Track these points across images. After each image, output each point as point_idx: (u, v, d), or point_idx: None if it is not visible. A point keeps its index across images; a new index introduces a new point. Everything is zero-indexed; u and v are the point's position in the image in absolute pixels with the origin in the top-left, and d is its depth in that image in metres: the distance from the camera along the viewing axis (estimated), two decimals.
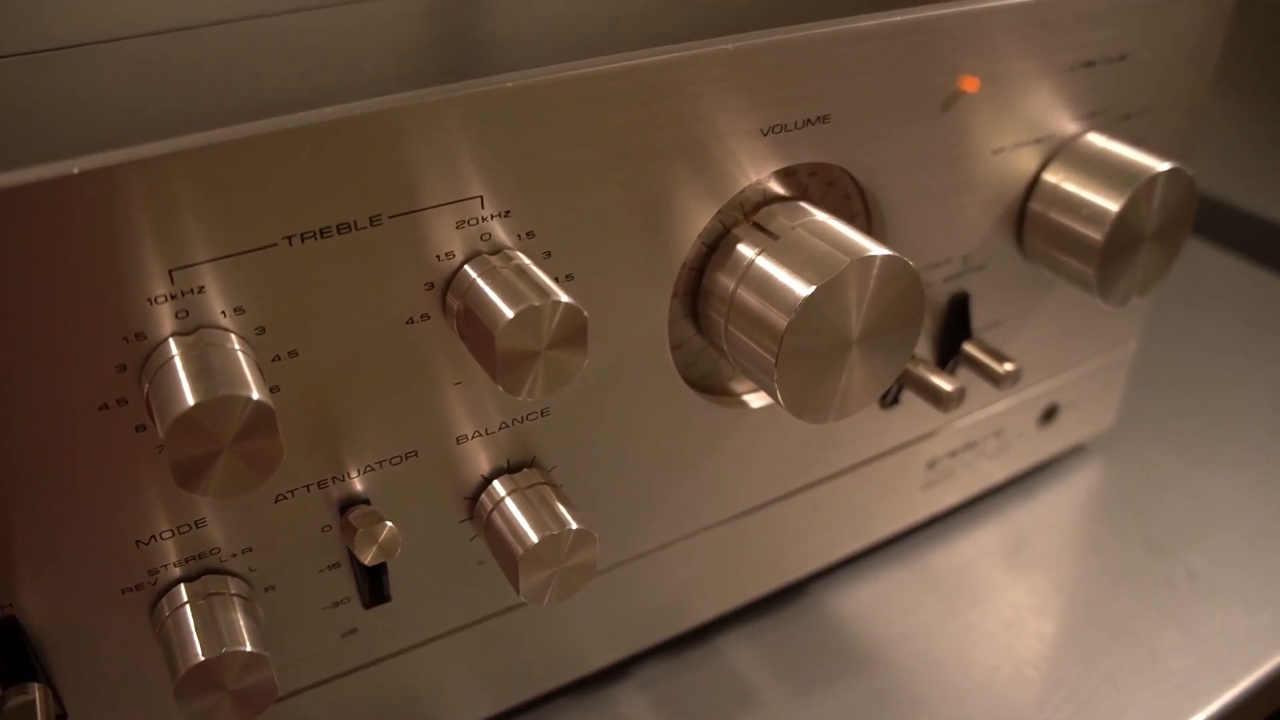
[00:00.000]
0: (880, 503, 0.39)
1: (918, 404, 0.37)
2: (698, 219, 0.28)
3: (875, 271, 0.28)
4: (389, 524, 0.25)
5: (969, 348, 0.35)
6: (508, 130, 0.24)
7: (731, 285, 0.29)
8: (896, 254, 0.28)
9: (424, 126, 0.23)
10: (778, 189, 0.30)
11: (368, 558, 0.25)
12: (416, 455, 0.27)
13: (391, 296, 0.24)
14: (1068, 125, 0.35)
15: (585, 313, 0.24)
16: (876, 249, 0.27)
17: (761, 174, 0.29)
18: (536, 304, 0.23)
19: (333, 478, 0.26)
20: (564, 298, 0.23)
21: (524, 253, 0.26)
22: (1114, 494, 0.44)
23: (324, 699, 0.29)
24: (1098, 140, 0.35)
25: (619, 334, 0.29)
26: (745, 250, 0.29)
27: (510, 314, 0.23)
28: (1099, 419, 0.45)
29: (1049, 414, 0.43)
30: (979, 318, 0.37)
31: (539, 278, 0.24)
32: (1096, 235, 0.33)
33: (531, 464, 0.29)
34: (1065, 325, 0.40)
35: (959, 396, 0.33)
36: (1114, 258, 0.34)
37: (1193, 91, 0.38)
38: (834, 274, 0.27)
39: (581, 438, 0.30)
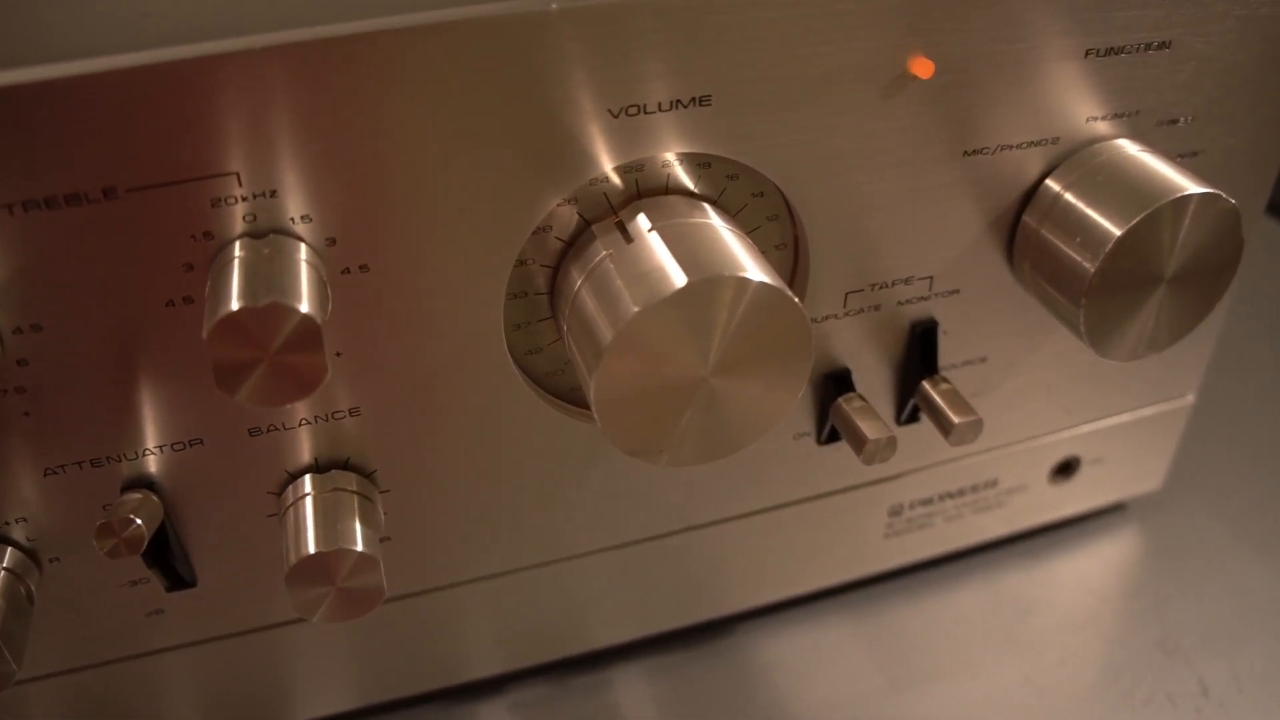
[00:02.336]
0: (830, 547, 0.34)
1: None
2: (531, 211, 0.24)
3: (734, 296, 0.23)
4: (136, 520, 0.23)
5: (928, 387, 0.30)
6: (266, 97, 0.21)
7: (576, 286, 0.25)
8: (770, 281, 0.23)
9: (163, 90, 0.20)
10: (686, 183, 0.26)
11: (104, 548, 0.23)
12: (202, 443, 0.25)
13: (144, 278, 0.22)
14: (1080, 126, 0.28)
15: (318, 319, 0.21)
16: (743, 270, 0.23)
17: (615, 162, 0.24)
18: (254, 305, 0.20)
19: (107, 457, 0.24)
20: (291, 301, 0.20)
21: (306, 238, 0.22)
22: (1141, 572, 0.37)
23: (130, 674, 0.28)
24: (1125, 147, 0.28)
25: (439, 334, 0.25)
26: (595, 250, 0.25)
27: (224, 312, 0.20)
28: (1141, 479, 0.38)
29: (1065, 468, 0.36)
30: (956, 353, 0.31)
31: (286, 272, 0.21)
32: (1088, 265, 0.26)
33: (346, 466, 0.27)
34: (1084, 370, 0.33)
35: (883, 447, 0.28)
36: (1113, 298, 0.27)
37: (1269, 98, 0.30)
38: (663, 296, 0.22)
39: (407, 443, 0.27)
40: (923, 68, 0.25)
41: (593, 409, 0.23)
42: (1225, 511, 0.39)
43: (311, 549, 0.25)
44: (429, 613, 0.30)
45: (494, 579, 0.30)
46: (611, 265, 0.24)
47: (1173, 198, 0.26)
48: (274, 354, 0.20)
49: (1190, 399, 0.36)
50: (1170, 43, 0.27)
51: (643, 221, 0.24)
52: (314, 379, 0.22)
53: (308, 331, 0.21)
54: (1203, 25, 0.27)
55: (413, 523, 0.28)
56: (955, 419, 0.28)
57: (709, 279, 0.22)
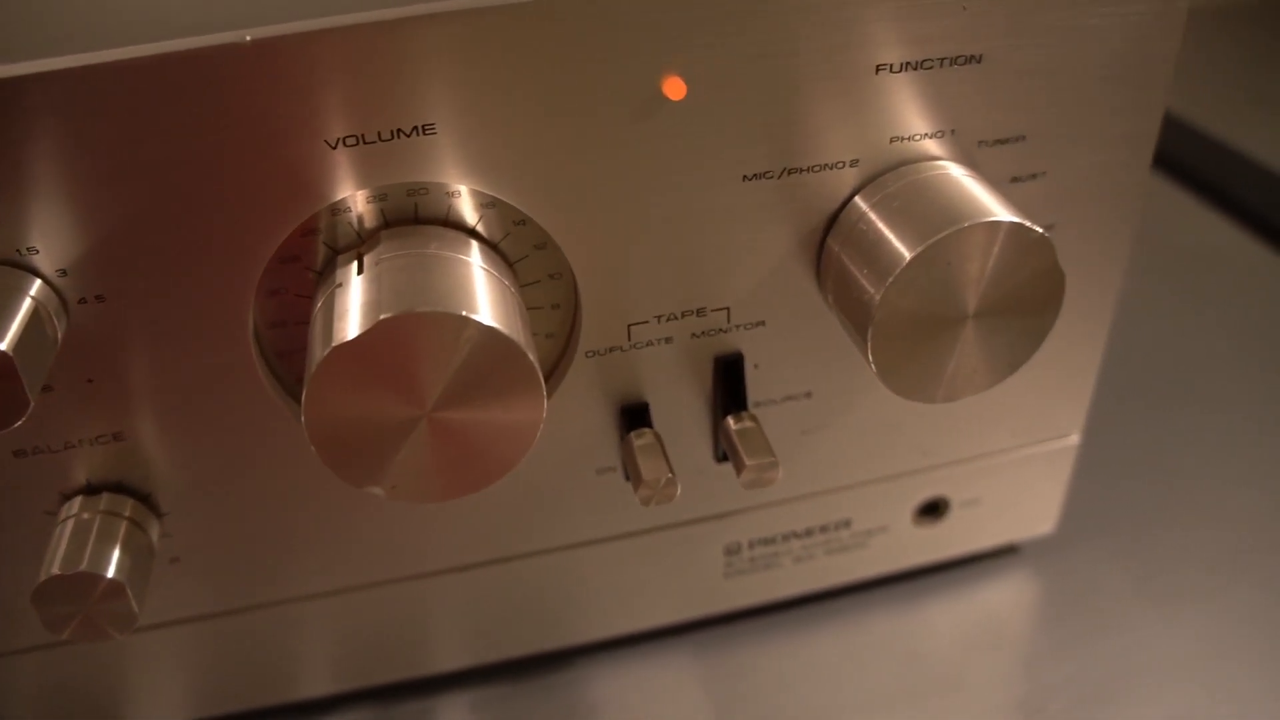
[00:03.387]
0: (666, 584, 0.32)
1: (698, 480, 0.30)
2: (263, 243, 0.23)
3: (452, 334, 0.22)
4: None
5: (730, 424, 0.28)
6: None
7: (311, 320, 0.24)
8: (479, 318, 0.21)
9: None
10: (470, 221, 0.25)
11: None
12: None
13: None
14: (883, 147, 0.25)
15: (10, 353, 0.20)
16: (462, 308, 0.21)
17: (343, 194, 0.23)
18: None
19: None
20: None
21: (36, 268, 0.22)
22: (1020, 621, 0.34)
23: None
24: (936, 169, 0.26)
25: (188, 363, 0.25)
26: (331, 282, 0.24)
27: None
28: (1029, 523, 0.35)
29: (932, 509, 0.33)
30: (772, 388, 0.29)
31: None
32: (874, 293, 0.24)
33: (119, 489, 0.27)
34: (939, 409, 0.30)
35: (661, 488, 0.26)
36: (905, 333, 0.24)
37: (1118, 114, 0.27)
38: (358, 332, 0.21)
39: (177, 466, 0.26)
40: (674, 89, 0.23)
41: (309, 438, 0.22)
42: (1132, 560, 0.35)
43: (56, 570, 0.25)
44: (237, 633, 0.30)
45: (296, 602, 0.30)
46: (335, 300, 0.23)
47: (964, 225, 0.24)
48: None
49: (1074, 439, 0.33)
50: (981, 56, 0.25)
51: (375, 255, 0.24)
52: (16, 410, 0.21)
53: (3, 365, 0.21)
54: (1017, 37, 0.25)
55: (203, 544, 0.28)
56: (746, 460, 0.26)
57: (418, 314, 0.21)
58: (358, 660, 0.32)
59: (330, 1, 0.22)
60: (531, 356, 0.22)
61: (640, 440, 0.27)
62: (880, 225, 0.25)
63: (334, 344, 0.21)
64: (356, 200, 0.24)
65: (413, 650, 0.32)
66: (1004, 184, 0.27)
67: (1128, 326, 0.47)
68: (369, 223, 0.24)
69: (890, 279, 0.24)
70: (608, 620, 0.33)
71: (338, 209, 0.24)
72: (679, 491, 0.26)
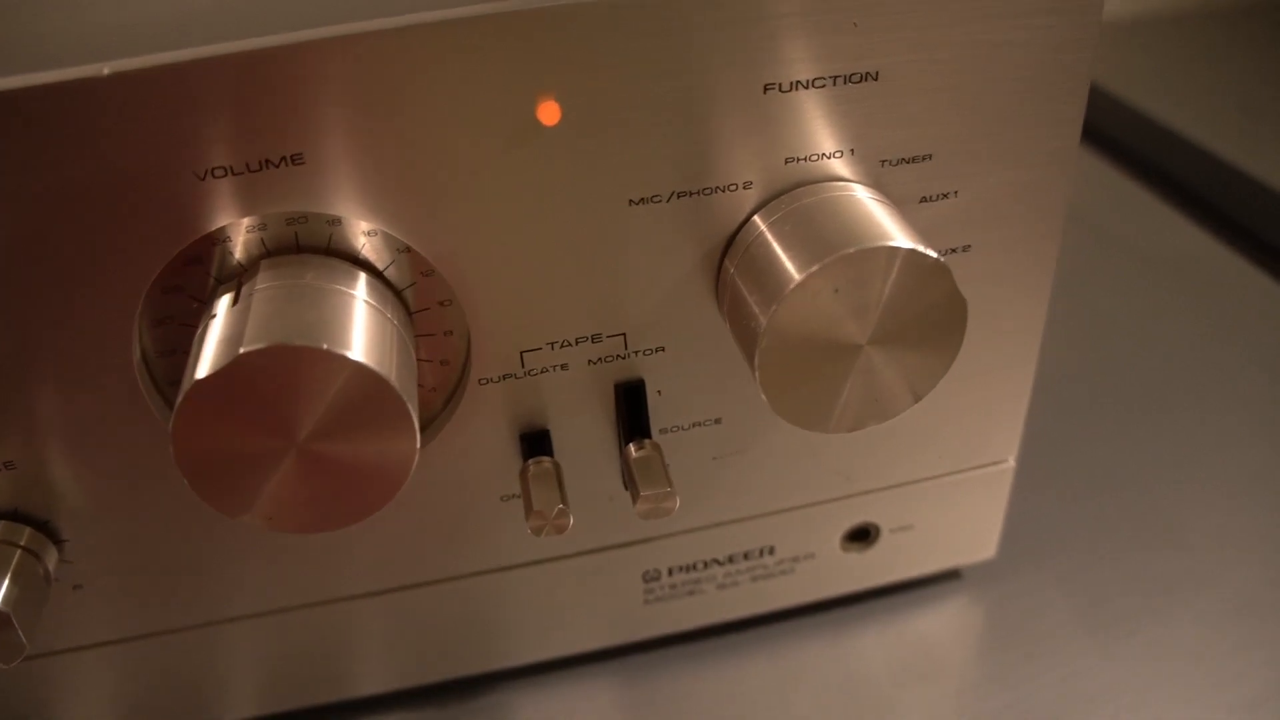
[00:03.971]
0: (587, 611, 0.32)
1: (610, 507, 0.29)
2: (140, 273, 0.23)
3: (322, 369, 0.21)
4: None
5: (631, 451, 0.27)
6: None
7: (194, 343, 0.23)
8: (322, 346, 0.21)
9: None
10: (353, 249, 0.24)
11: None
12: None
13: None
14: (777, 168, 0.25)
15: None
16: (322, 341, 0.21)
17: (216, 225, 0.23)
18: None
19: None
20: None
21: None
22: (957, 650, 0.33)
23: None
24: (835, 190, 0.25)
25: (72, 394, 0.24)
26: (211, 312, 0.23)
27: None
28: (968, 548, 0.34)
29: (861, 535, 0.32)
30: (679, 414, 0.28)
31: None
32: (760, 317, 0.23)
33: (14, 516, 0.26)
34: (861, 435, 0.29)
35: (552, 519, 0.25)
36: (795, 360, 0.24)
37: (1035, 133, 0.26)
38: (217, 368, 0.21)
39: (72, 494, 0.26)
40: (549, 113, 0.23)
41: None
42: (1074, 586, 0.34)
43: None
44: (149, 658, 0.30)
45: (210, 626, 0.30)
46: (207, 331, 0.23)
47: (851, 250, 0.23)
48: None
49: (1009, 464, 0.32)
50: (878, 74, 0.24)
51: (250, 286, 0.23)
52: None
53: None
54: (917, 54, 0.24)
55: (106, 571, 0.28)
56: (640, 490, 0.26)
57: (279, 348, 0.21)
58: (278, 684, 0.31)
59: (193, 32, 0.21)
60: (399, 390, 0.22)
61: (535, 469, 0.26)
62: (771, 248, 0.24)
63: (193, 379, 0.21)
64: (239, 229, 0.24)
65: (334, 674, 0.32)
66: (912, 205, 0.26)
67: (1109, 338, 0.46)
68: (251, 251, 0.24)
69: (776, 304, 0.23)
70: (531, 645, 0.32)
71: (219, 238, 0.24)
72: (571, 522, 0.26)
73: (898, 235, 0.23)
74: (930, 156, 0.25)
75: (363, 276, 0.24)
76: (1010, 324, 0.29)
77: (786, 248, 0.24)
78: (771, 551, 0.32)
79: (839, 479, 0.31)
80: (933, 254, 0.23)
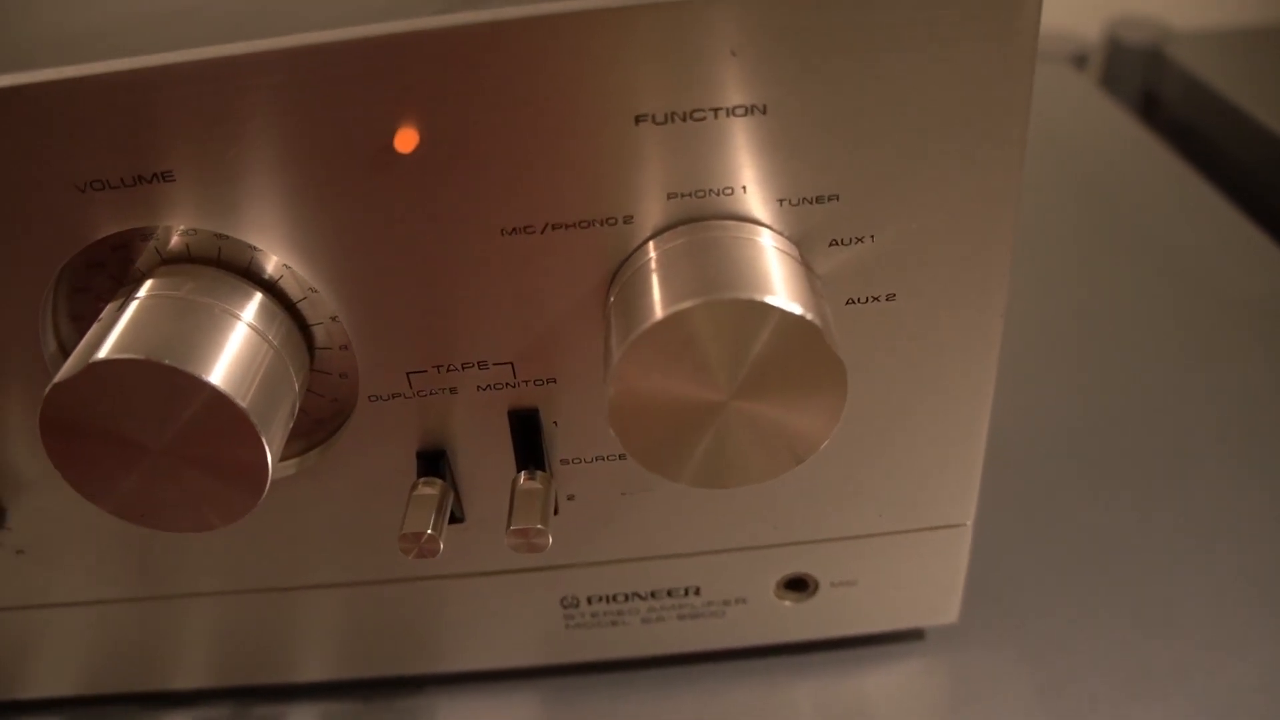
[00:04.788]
0: (511, 628, 0.31)
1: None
2: (36, 281, 0.24)
3: (183, 390, 0.22)
4: None
5: (520, 481, 0.26)
6: None
7: None
8: (164, 361, 0.21)
9: None
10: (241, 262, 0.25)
11: None
12: None
13: None
14: (658, 204, 0.23)
15: None
16: (169, 357, 0.22)
17: (96, 235, 0.23)
18: None
19: None
20: None
21: None
22: (893, 714, 0.30)
23: None
24: (716, 230, 0.23)
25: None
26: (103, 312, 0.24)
27: None
28: (927, 609, 0.31)
29: (798, 585, 0.30)
30: (580, 447, 0.27)
31: None
32: (614, 358, 0.22)
33: None
34: (785, 482, 0.27)
35: (422, 542, 0.25)
36: (650, 407, 0.22)
37: (956, 172, 0.23)
38: (74, 373, 0.22)
39: (7, 465, 0.28)
40: (405, 140, 0.22)
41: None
42: (1040, 661, 0.31)
43: None
44: (95, 622, 0.32)
45: (155, 601, 0.31)
46: (90, 332, 0.24)
47: (702, 300, 0.21)
48: None
49: (966, 526, 0.29)
50: (765, 107, 0.22)
51: (147, 287, 0.24)
52: None
53: None
54: (809, 86, 0.22)
55: (48, 537, 0.29)
56: (511, 523, 0.25)
57: (129, 361, 0.22)
58: (218, 660, 0.33)
59: (73, 50, 0.22)
60: (250, 412, 0.22)
61: (418, 490, 0.26)
62: (641, 286, 0.23)
63: (52, 381, 0.22)
64: (134, 238, 0.24)
65: (267, 660, 0.33)
66: (821, 249, 0.24)
67: (1148, 391, 0.41)
68: (150, 259, 0.25)
69: (624, 348, 0.22)
70: (458, 655, 0.32)
71: (148, 234, 0.24)
72: (441, 548, 0.25)
73: (769, 285, 0.21)
74: (837, 197, 0.23)
75: (250, 290, 0.25)
76: (953, 380, 0.26)
77: (653, 288, 0.22)
78: (698, 592, 0.30)
79: (765, 527, 0.29)
80: (799, 310, 0.21)
